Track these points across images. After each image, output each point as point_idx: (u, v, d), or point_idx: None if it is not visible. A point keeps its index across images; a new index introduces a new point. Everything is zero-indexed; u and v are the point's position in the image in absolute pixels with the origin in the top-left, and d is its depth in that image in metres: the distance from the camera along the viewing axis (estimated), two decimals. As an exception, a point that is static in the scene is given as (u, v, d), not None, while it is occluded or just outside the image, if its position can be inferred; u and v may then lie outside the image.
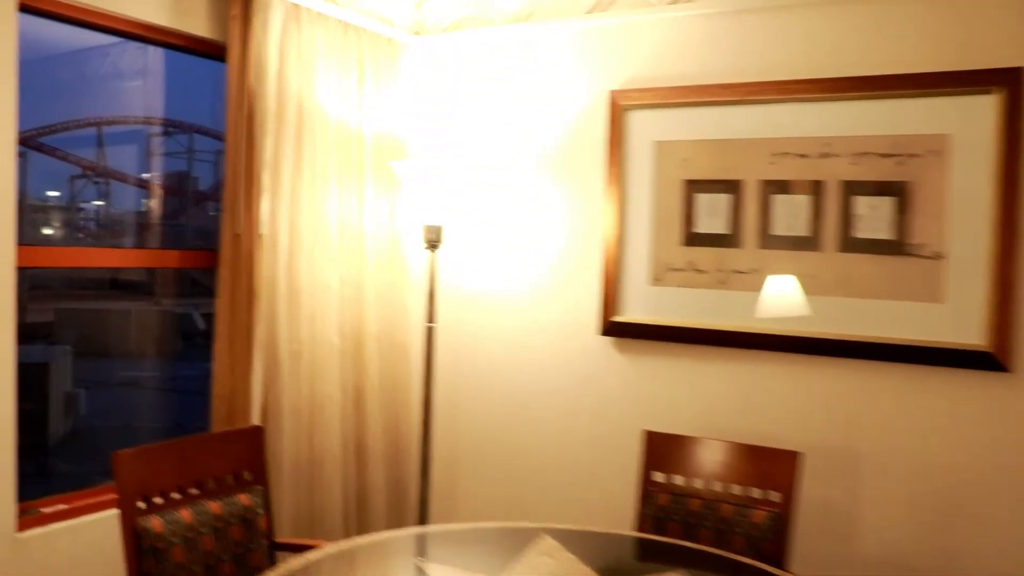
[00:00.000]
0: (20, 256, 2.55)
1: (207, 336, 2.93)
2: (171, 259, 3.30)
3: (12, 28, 2.50)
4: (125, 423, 5.27)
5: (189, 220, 5.40)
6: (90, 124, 4.27)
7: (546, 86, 3.44)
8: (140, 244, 4.79)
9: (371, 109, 3.49)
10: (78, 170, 4.65)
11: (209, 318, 3.03)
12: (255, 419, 3.02)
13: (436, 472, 3.64)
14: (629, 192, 3.24)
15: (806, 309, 2.93)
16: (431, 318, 3.36)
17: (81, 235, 4.98)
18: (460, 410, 3.67)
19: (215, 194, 5.47)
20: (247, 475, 2.62)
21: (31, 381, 2.48)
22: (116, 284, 5.29)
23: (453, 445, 3.67)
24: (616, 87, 3.27)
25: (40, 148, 4.10)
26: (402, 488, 3.68)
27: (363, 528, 3.46)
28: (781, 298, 2.97)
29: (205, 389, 3.04)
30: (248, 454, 2.65)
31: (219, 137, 4.71)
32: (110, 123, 4.30)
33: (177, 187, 5.31)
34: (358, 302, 3.46)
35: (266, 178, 3.04)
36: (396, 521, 3.64)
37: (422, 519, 3.39)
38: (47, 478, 4.29)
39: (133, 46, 3.26)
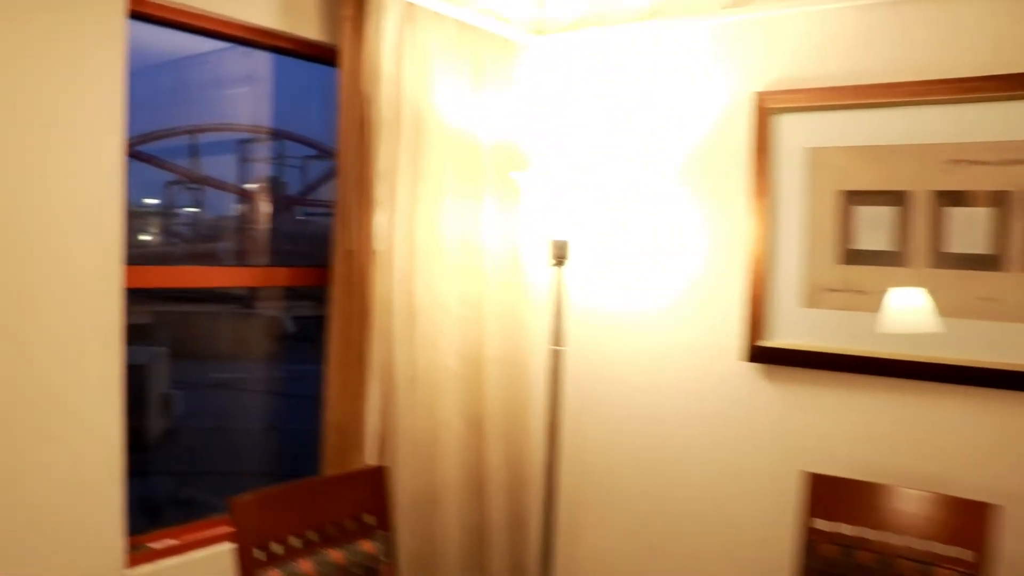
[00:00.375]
0: (128, 277, 2.41)
1: (298, 339, 2.80)
2: (281, 277, 3.13)
3: (120, 36, 2.34)
4: (218, 424, 5.25)
5: (280, 225, 5.38)
6: (186, 131, 4.19)
7: (680, 88, 3.15)
8: (235, 249, 4.73)
9: (489, 115, 3.24)
10: (172, 177, 4.61)
11: (300, 321, 2.87)
12: (369, 450, 2.82)
13: (560, 507, 3.37)
14: (777, 204, 2.93)
15: (984, 336, 2.59)
16: (558, 340, 3.09)
17: (176, 240, 4.94)
18: (587, 440, 3.39)
19: (303, 199, 5.47)
20: (369, 519, 2.41)
21: (131, 382, 2.45)
22: (210, 288, 5.28)
23: (579, 478, 3.40)
24: (761, 88, 2.96)
25: (138, 156, 4.03)
26: (523, 524, 3.42)
27: (483, 570, 3.23)
28: (934, 319, 2.65)
29: (297, 391, 2.87)
30: (370, 496, 2.44)
31: (308, 143, 4.56)
32: (204, 130, 4.22)
33: (269, 193, 5.28)
34: (477, 323, 3.21)
35: (381, 190, 2.83)
36: (516, 562, 3.39)
37: (545, 559, 3.14)
38: (145, 476, 4.30)
39: (230, 54, 3.12)
